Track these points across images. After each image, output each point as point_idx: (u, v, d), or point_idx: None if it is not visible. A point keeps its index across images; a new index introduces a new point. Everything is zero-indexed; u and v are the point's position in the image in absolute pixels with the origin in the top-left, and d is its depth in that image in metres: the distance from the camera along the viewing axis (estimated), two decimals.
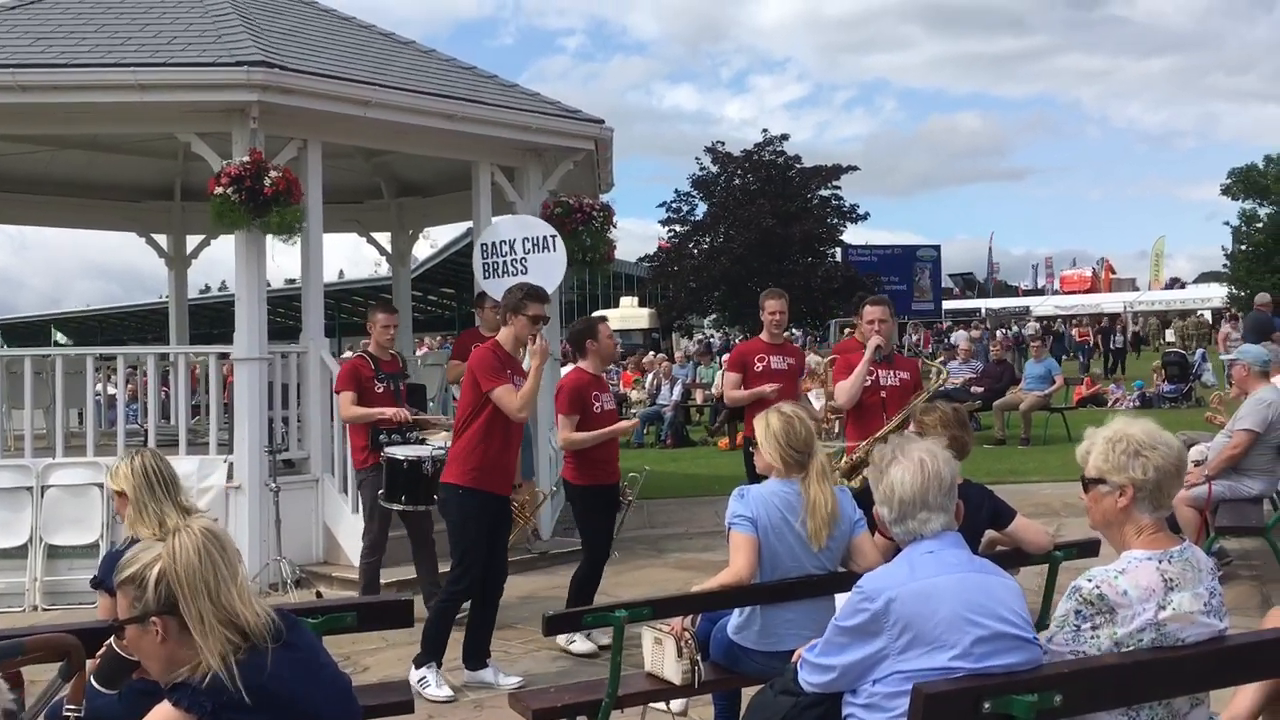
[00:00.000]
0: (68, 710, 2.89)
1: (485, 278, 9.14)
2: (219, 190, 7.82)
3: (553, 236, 9.12)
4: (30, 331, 46.98)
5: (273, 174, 7.85)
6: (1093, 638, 2.79)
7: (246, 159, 7.86)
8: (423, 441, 7.18)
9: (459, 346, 9.06)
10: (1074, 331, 36.55)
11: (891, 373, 6.56)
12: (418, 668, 5.63)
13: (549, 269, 8.95)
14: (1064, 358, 33.66)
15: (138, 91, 7.89)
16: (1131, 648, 2.76)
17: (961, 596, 2.80)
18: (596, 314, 7.25)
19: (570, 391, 6.25)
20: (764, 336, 7.61)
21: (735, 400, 7.45)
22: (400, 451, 6.81)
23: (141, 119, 8.49)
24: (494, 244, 9.21)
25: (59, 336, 39.77)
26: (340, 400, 7.24)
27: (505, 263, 9.10)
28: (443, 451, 6.53)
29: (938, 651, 2.75)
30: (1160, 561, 2.82)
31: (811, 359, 12.48)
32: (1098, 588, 2.78)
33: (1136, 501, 2.85)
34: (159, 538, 3.63)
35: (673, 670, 4.05)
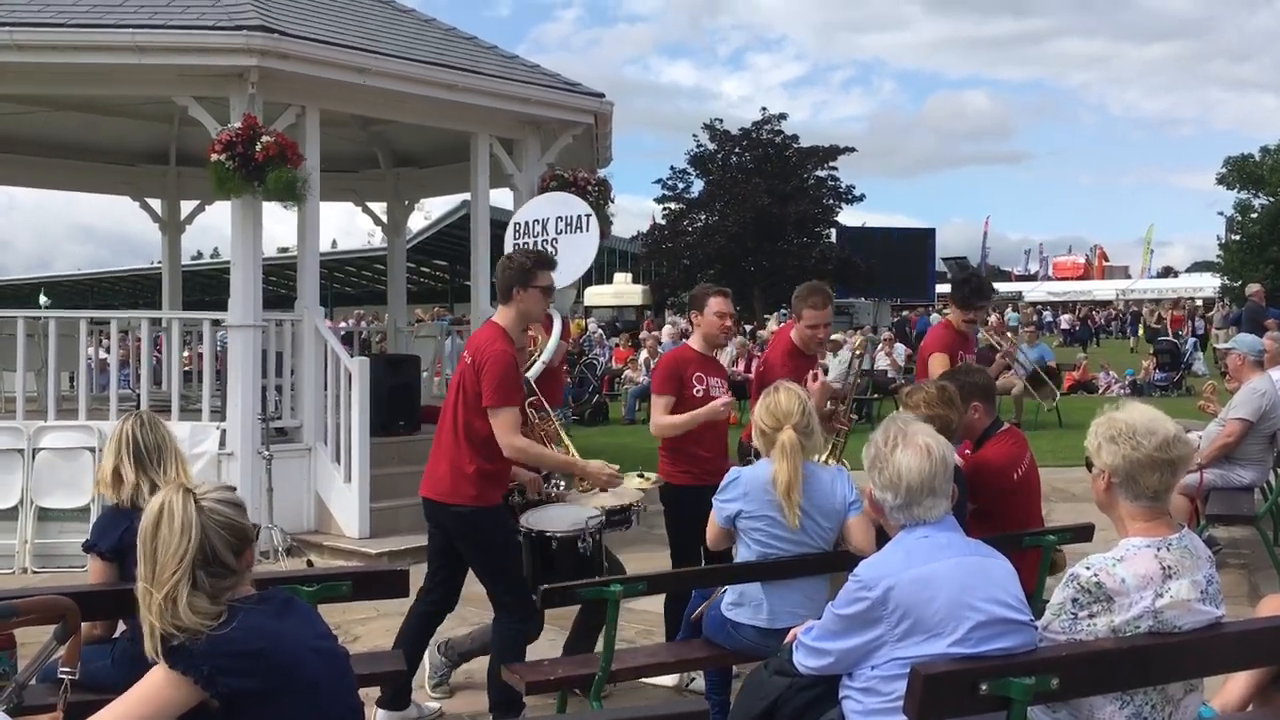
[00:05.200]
0: (62, 672, 2.88)
1: None
2: (215, 157, 7.78)
3: (587, 216, 8.63)
4: (19, 295, 46.67)
5: (265, 138, 7.79)
6: (1090, 625, 2.78)
7: (239, 124, 7.81)
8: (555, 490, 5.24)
9: None
10: (1167, 316, 31.52)
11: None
12: None
13: (580, 250, 8.43)
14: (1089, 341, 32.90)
15: (135, 53, 7.82)
16: (1129, 634, 2.77)
17: (959, 581, 2.80)
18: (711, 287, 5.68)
19: (665, 367, 5.35)
20: (795, 340, 5.68)
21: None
22: (547, 523, 4.74)
23: (139, 81, 8.42)
24: (527, 223, 8.77)
25: (43, 300, 39.33)
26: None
27: (536, 243, 8.58)
28: (599, 519, 4.75)
29: (936, 639, 2.75)
30: (1159, 549, 2.82)
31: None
32: (1095, 575, 2.78)
33: (1114, 487, 2.86)
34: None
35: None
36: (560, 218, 8.68)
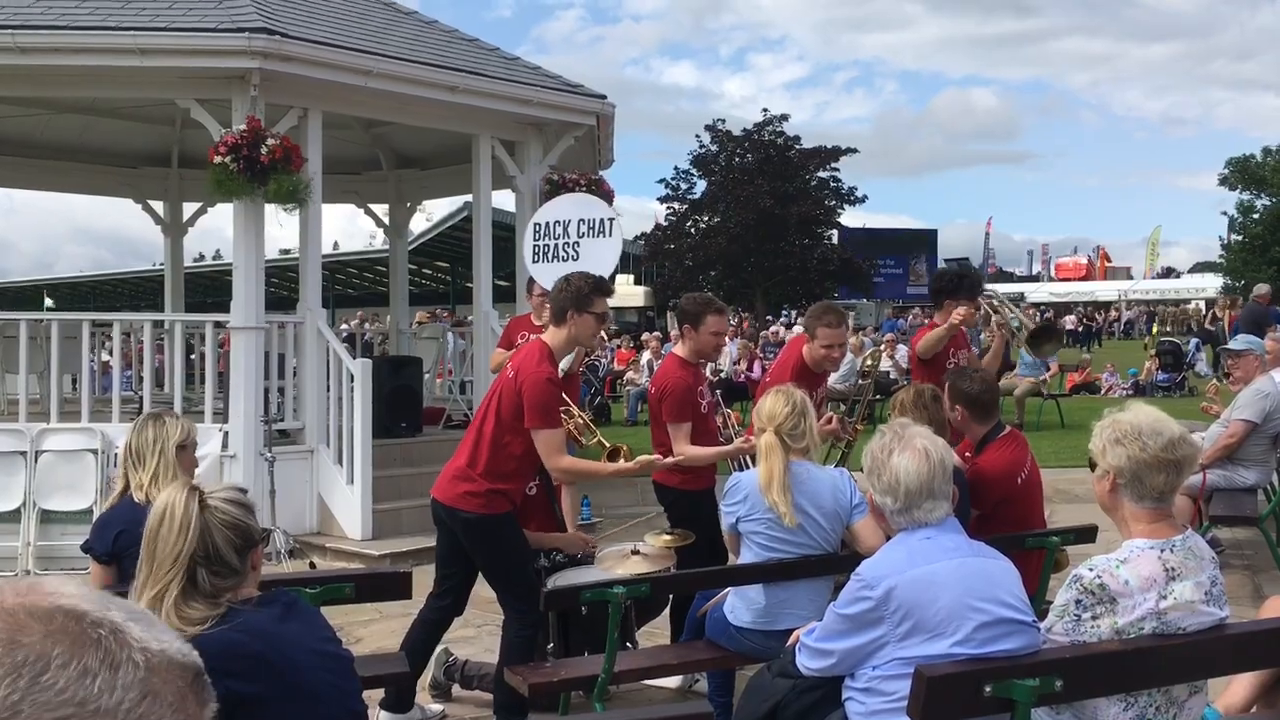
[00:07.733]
0: None
1: (534, 261, 8.33)
2: (218, 159, 7.78)
3: (609, 220, 8.36)
4: (22, 297, 46.68)
5: (270, 141, 7.79)
6: (1093, 627, 2.78)
7: (244, 127, 7.82)
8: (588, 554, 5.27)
9: (507, 335, 8.10)
10: (1223, 315, 29.76)
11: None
12: None
13: (601, 256, 8.09)
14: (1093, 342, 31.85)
15: (138, 56, 7.82)
16: (1132, 636, 2.76)
17: (962, 582, 2.80)
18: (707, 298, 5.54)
19: (679, 395, 5.09)
20: (807, 359, 5.47)
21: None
22: (576, 578, 4.73)
23: (141, 83, 8.42)
24: (548, 224, 8.44)
25: (49, 302, 39.40)
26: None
27: (557, 246, 8.29)
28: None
29: (938, 639, 2.75)
30: (1162, 551, 2.82)
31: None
32: (1099, 577, 2.78)
33: (1119, 488, 2.85)
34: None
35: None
36: (583, 220, 8.36)
